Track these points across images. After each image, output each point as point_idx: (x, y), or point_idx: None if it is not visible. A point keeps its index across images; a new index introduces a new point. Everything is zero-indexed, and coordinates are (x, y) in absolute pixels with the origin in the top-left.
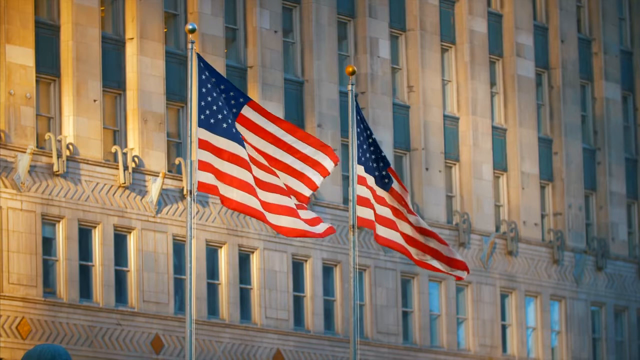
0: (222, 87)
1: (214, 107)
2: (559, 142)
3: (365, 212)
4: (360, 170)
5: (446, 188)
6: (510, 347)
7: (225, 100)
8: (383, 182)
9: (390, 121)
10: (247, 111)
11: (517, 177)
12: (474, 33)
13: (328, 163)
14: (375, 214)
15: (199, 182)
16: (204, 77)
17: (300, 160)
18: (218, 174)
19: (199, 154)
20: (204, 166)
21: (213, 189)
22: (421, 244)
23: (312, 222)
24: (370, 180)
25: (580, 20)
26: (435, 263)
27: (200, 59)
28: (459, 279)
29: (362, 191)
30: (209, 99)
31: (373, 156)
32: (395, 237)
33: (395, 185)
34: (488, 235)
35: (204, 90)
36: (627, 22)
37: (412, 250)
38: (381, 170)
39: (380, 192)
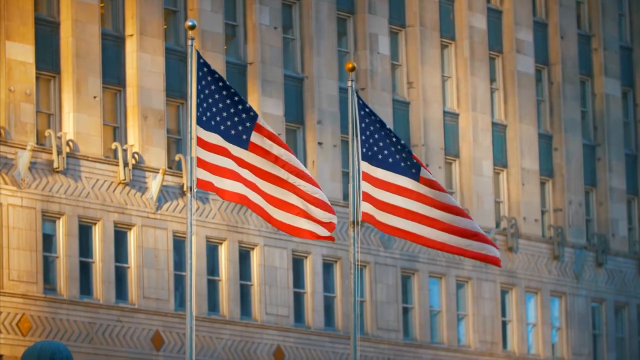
0: (229, 90)
1: (204, 104)
2: (559, 138)
3: (371, 209)
4: (365, 166)
5: (446, 184)
6: (510, 344)
7: (234, 103)
8: (411, 171)
9: (390, 117)
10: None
11: (517, 173)
12: (474, 29)
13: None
14: (385, 204)
15: (197, 179)
16: (201, 74)
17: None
18: (215, 170)
19: (197, 152)
20: (202, 164)
21: (212, 187)
22: (459, 228)
23: (324, 224)
24: (385, 174)
25: (580, 16)
26: (470, 244)
27: (200, 57)
28: (493, 261)
29: (367, 187)
30: (202, 96)
31: (392, 148)
32: (408, 226)
33: (423, 172)
34: (488, 231)
35: (199, 87)
36: (626, 18)
37: (445, 237)
38: (406, 160)
39: (406, 182)
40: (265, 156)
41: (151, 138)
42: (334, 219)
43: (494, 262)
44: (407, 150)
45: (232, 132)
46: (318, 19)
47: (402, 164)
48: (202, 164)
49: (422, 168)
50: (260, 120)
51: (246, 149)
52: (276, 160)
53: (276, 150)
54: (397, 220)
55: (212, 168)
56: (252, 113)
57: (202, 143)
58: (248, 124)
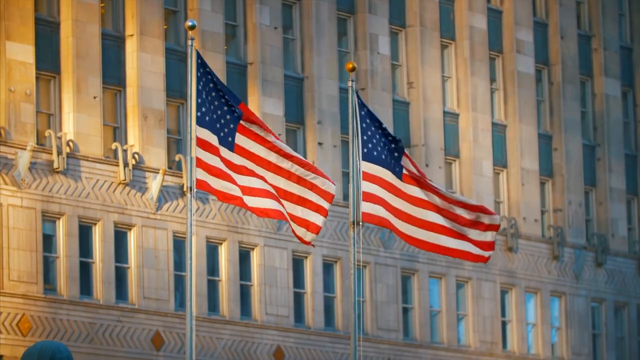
0: (220, 91)
1: (203, 105)
2: (559, 138)
3: (372, 208)
4: (367, 166)
5: (446, 184)
6: (510, 343)
7: (222, 104)
8: (395, 170)
9: (390, 117)
10: (239, 139)
11: (517, 174)
12: (474, 29)
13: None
14: (395, 210)
15: (197, 179)
16: (199, 74)
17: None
18: (214, 172)
19: (196, 152)
20: (202, 164)
21: (210, 187)
22: (449, 229)
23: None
24: (386, 174)
25: (580, 16)
26: (457, 244)
27: (198, 56)
28: (480, 260)
29: (369, 187)
30: (202, 95)
31: (386, 146)
32: (419, 234)
33: (409, 171)
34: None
35: (198, 87)
36: (626, 18)
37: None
38: (397, 160)
39: (398, 183)
40: (250, 158)
41: (151, 138)
42: (319, 220)
43: (480, 260)
44: (400, 147)
45: (221, 134)
46: (318, 19)
47: (388, 163)
48: (201, 164)
49: (404, 168)
50: (243, 122)
51: (232, 151)
52: (261, 161)
53: (262, 151)
54: (394, 220)
55: (211, 169)
56: (236, 114)
57: (202, 144)
58: (232, 125)
